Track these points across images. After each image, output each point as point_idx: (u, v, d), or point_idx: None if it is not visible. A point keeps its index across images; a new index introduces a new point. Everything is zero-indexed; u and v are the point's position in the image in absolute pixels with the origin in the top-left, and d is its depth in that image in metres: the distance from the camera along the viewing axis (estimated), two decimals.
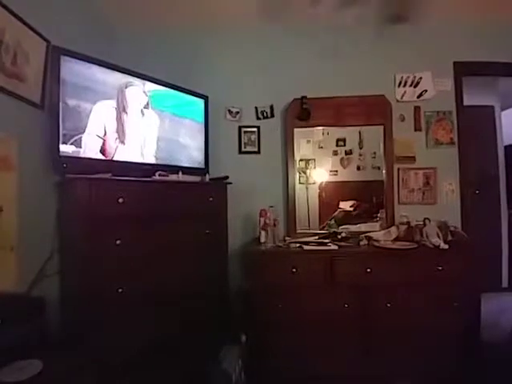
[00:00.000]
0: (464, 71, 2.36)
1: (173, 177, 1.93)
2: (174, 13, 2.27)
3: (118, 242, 1.56)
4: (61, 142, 1.54)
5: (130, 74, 1.85)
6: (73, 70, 1.60)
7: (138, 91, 1.89)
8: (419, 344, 1.82)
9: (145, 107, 1.92)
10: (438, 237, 1.93)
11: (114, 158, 1.76)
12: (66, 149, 1.56)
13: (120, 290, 1.56)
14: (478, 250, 1.96)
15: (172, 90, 2.07)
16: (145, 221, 1.69)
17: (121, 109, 1.79)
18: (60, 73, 1.55)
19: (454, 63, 2.35)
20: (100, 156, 1.70)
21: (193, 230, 1.93)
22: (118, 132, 1.78)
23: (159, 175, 1.86)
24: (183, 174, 1.97)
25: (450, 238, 1.97)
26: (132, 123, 1.85)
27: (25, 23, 1.45)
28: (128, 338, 1.55)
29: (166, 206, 1.79)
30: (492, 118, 3.57)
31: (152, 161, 1.95)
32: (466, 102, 2.40)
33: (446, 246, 1.86)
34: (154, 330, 1.67)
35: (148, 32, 2.39)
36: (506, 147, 3.61)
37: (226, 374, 1.63)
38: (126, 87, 1.82)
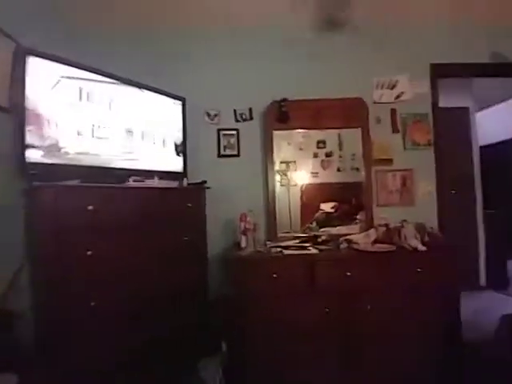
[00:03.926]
0: (440, 73, 2.39)
1: (148, 182, 1.86)
2: (150, 12, 2.22)
3: (89, 252, 1.50)
4: (27, 147, 1.46)
5: (99, 74, 1.76)
6: (39, 71, 1.52)
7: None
8: (400, 345, 1.83)
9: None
10: (416, 238, 1.94)
11: (86, 163, 1.68)
12: (33, 154, 1.48)
13: (93, 304, 1.49)
14: (455, 250, 2.00)
15: (147, 92, 2.01)
16: (118, 229, 1.62)
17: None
18: (26, 74, 1.47)
19: (431, 65, 2.38)
20: (70, 162, 1.62)
21: (170, 237, 1.88)
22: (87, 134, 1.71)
23: (134, 181, 1.80)
24: (159, 179, 1.92)
25: (427, 239, 1.99)
26: (104, 123, 1.78)
27: None
28: (104, 350, 1.49)
29: (141, 213, 1.73)
30: (467, 119, 3.67)
31: (125, 166, 1.87)
32: (441, 104, 2.44)
33: (424, 248, 1.88)
34: (133, 338, 1.62)
35: (121, 31, 2.27)
36: (481, 148, 3.72)
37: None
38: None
